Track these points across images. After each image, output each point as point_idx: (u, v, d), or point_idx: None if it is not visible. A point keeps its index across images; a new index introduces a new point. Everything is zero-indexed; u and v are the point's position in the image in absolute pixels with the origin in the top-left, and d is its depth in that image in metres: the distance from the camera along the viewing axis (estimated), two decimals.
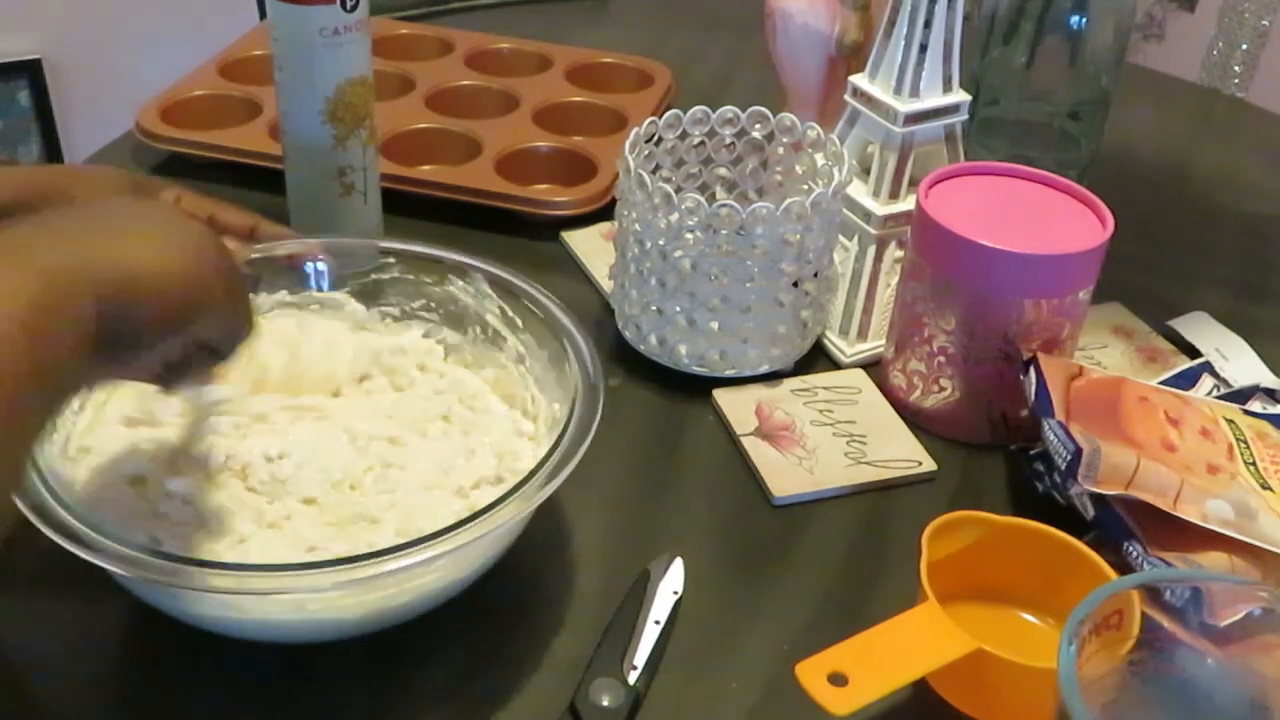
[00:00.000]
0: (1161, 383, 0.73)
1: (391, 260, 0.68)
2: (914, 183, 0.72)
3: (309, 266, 0.68)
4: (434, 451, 0.61)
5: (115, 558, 0.48)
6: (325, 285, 0.68)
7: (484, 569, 0.57)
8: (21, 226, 0.43)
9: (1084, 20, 0.89)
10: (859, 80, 0.75)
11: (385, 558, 0.49)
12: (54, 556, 0.48)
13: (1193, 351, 0.79)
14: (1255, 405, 0.71)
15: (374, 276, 0.69)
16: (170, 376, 0.54)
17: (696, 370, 0.73)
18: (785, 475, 0.67)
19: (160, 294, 0.45)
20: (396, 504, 0.58)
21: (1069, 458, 0.60)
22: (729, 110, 0.76)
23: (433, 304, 0.69)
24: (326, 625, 0.54)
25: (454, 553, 0.50)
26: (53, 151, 1.83)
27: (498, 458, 0.61)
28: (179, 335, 0.48)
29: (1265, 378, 0.75)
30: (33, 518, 0.49)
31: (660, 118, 0.74)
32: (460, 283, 0.67)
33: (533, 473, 0.53)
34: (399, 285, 0.69)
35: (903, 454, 0.69)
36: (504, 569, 0.59)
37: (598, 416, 0.56)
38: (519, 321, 0.65)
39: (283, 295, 0.68)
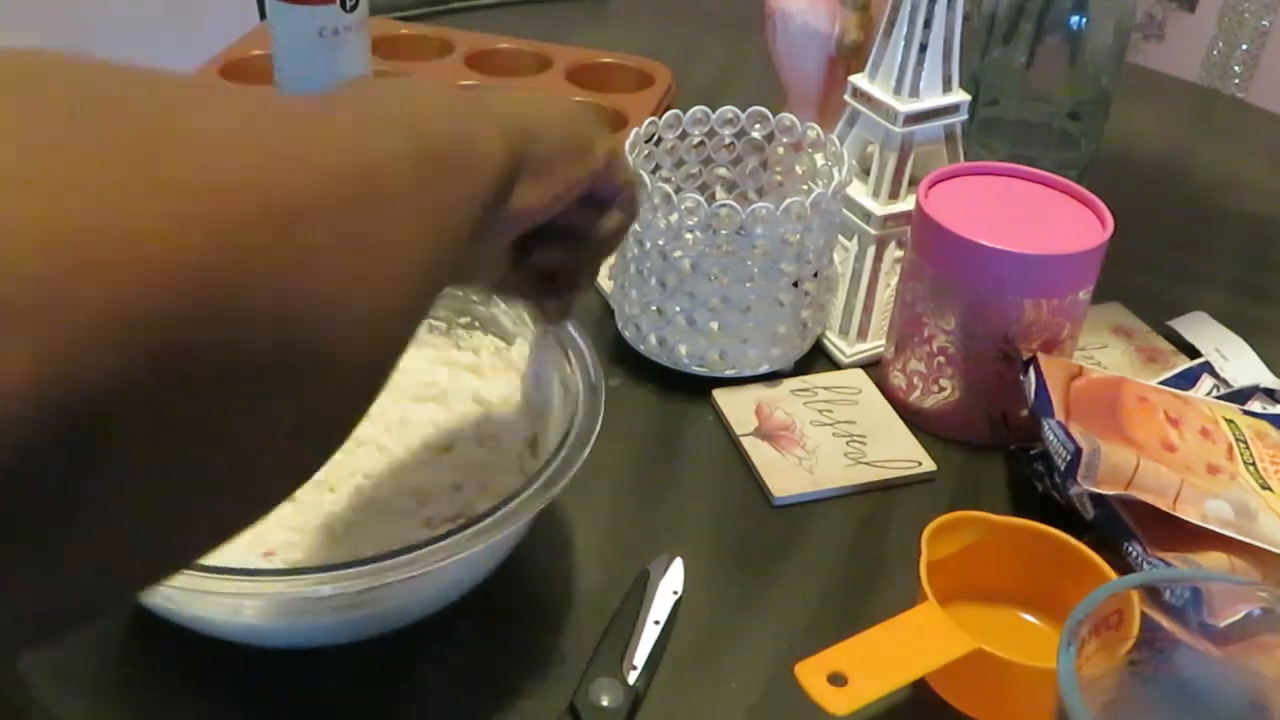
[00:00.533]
0: (1161, 383, 0.73)
1: None
2: (914, 183, 0.72)
3: None
4: (417, 462, 0.61)
5: None
6: None
7: (483, 576, 0.57)
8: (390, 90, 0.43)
9: (1084, 20, 0.89)
10: (859, 80, 0.75)
11: (381, 563, 0.49)
12: None
13: (1193, 351, 0.79)
14: (1255, 405, 0.71)
15: None
16: (596, 231, 0.54)
17: (696, 370, 0.73)
18: (785, 475, 0.67)
19: (553, 127, 0.47)
20: (367, 516, 0.58)
21: (1069, 458, 0.60)
22: (729, 110, 0.76)
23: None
24: (320, 631, 0.54)
25: (450, 562, 0.50)
26: None
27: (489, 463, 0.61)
28: (578, 167, 0.48)
29: (1265, 378, 0.75)
30: None
31: (660, 118, 0.74)
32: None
33: (533, 477, 0.53)
34: None
35: (903, 454, 0.70)
36: (504, 569, 0.59)
37: (599, 420, 0.56)
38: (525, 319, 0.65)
39: None
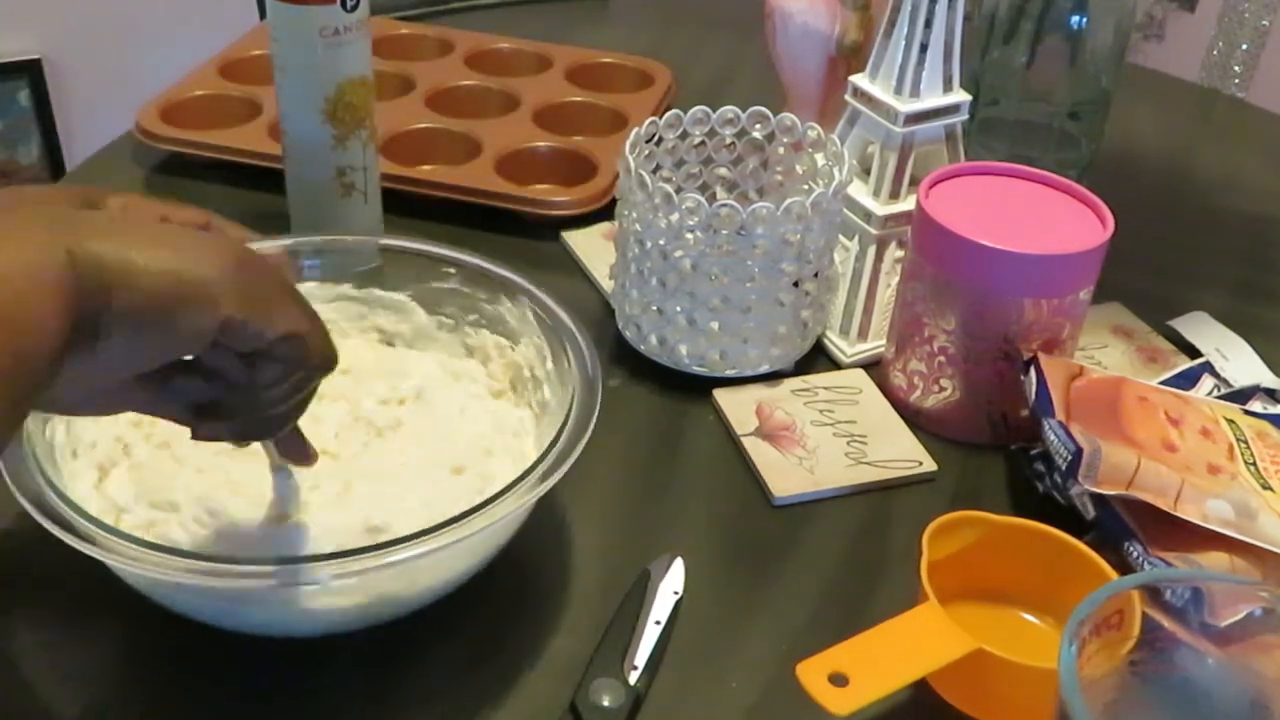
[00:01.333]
0: (1161, 383, 0.73)
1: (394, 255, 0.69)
2: (914, 183, 0.72)
3: (302, 262, 0.68)
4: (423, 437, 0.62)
5: (107, 549, 0.48)
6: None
7: (482, 565, 0.57)
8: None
9: (1084, 20, 0.89)
10: (859, 80, 0.75)
11: (383, 551, 0.49)
12: (50, 548, 0.48)
13: (1193, 351, 0.79)
14: (1255, 405, 0.71)
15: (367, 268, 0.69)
16: (256, 384, 0.48)
17: (697, 370, 0.73)
18: (785, 475, 0.67)
19: (146, 278, 0.41)
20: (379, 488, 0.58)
21: (1069, 458, 0.60)
22: (729, 110, 0.76)
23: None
24: (320, 617, 0.54)
25: (453, 546, 0.50)
26: (53, 151, 1.83)
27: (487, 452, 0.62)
28: (179, 330, 0.43)
29: (1265, 378, 0.75)
30: (31, 509, 0.49)
31: (660, 118, 0.74)
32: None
33: (531, 468, 0.53)
34: (396, 279, 0.69)
35: (903, 454, 0.70)
36: (504, 568, 0.59)
37: (595, 413, 0.56)
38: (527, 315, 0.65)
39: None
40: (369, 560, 0.49)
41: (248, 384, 0.48)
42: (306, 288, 0.67)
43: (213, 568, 0.48)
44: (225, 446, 0.55)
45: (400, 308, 0.69)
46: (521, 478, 0.53)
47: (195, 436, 0.50)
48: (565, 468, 0.53)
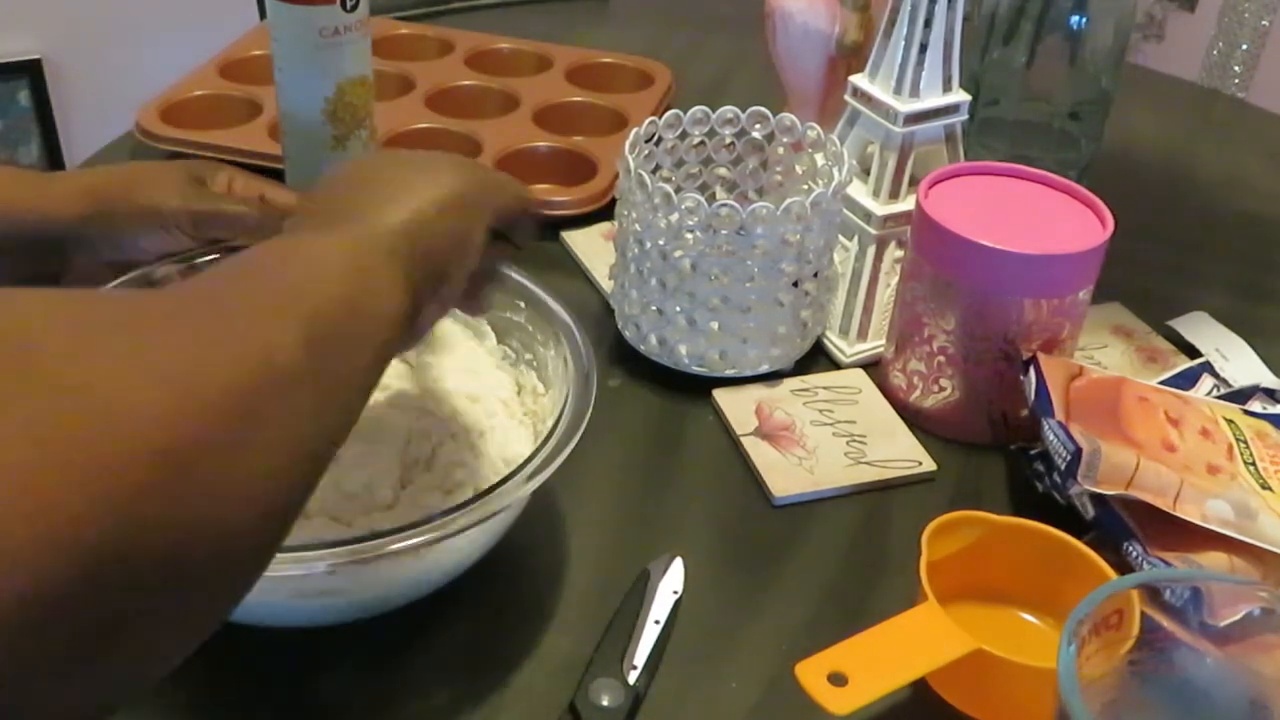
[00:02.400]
0: (1161, 383, 0.73)
1: None
2: (914, 183, 0.72)
3: None
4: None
5: None
6: None
7: (473, 561, 0.57)
8: (317, 220, 0.47)
9: (1084, 20, 0.89)
10: (859, 80, 0.75)
11: (380, 541, 0.49)
12: None
13: (1193, 351, 0.79)
14: (1255, 405, 0.71)
15: None
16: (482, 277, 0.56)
17: (696, 370, 0.73)
18: (785, 475, 0.67)
19: (441, 224, 0.48)
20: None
21: (1069, 458, 0.60)
22: (729, 110, 0.76)
23: None
24: (316, 609, 0.54)
25: (448, 539, 0.50)
26: (53, 151, 1.83)
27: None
28: (470, 253, 0.50)
29: (1265, 378, 0.75)
30: None
31: (660, 118, 0.74)
32: None
33: (527, 461, 0.54)
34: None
35: (903, 454, 0.70)
36: (504, 568, 0.59)
37: (590, 406, 0.56)
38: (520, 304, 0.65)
39: None
40: (362, 552, 0.49)
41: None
42: None
43: None
44: None
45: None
46: (510, 476, 0.53)
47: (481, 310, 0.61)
48: (551, 470, 0.53)
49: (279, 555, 0.49)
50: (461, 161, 0.53)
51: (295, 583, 0.52)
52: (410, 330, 0.46)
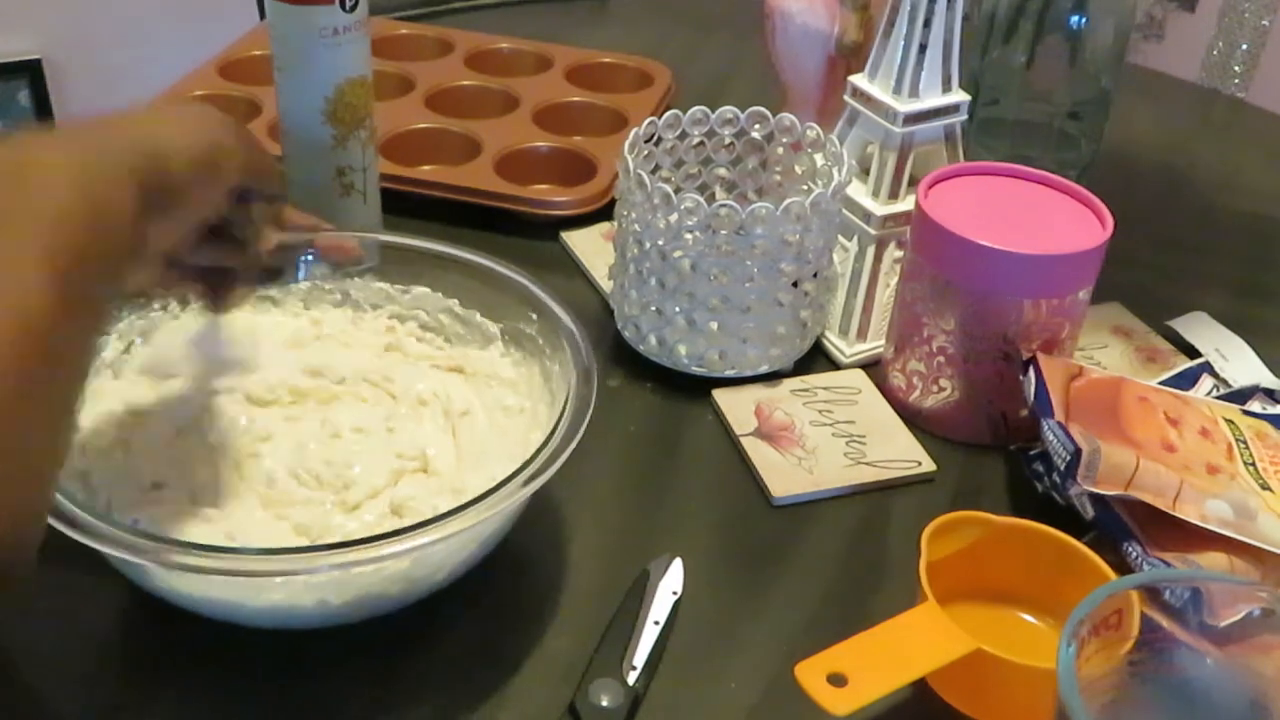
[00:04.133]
0: (1161, 383, 0.73)
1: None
2: (914, 183, 0.72)
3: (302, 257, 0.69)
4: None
5: (105, 538, 0.48)
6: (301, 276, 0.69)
7: (480, 555, 0.57)
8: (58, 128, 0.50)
9: (1084, 20, 0.89)
10: (859, 80, 0.75)
11: (376, 544, 0.49)
12: (48, 541, 0.48)
13: (1192, 351, 0.79)
14: (1255, 405, 0.71)
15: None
16: (231, 238, 0.58)
17: (696, 370, 0.73)
18: (785, 475, 0.67)
19: (183, 150, 0.50)
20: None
21: (1068, 458, 0.60)
22: (728, 110, 0.76)
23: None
24: (313, 610, 0.54)
25: (448, 539, 0.50)
26: None
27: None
28: (213, 184, 0.52)
29: (1265, 378, 0.75)
30: None
31: (660, 118, 0.74)
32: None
33: (527, 462, 0.54)
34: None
35: (902, 454, 0.69)
36: (503, 568, 0.59)
37: (591, 405, 0.56)
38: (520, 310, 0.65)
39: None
40: (361, 553, 0.49)
41: (249, 230, 0.58)
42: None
43: (193, 553, 0.49)
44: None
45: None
46: (510, 478, 0.53)
47: (219, 307, 0.63)
48: (550, 473, 0.53)
49: (277, 558, 0.49)
50: (213, 110, 0.55)
51: (293, 586, 0.52)
52: (142, 244, 0.47)
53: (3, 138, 0.44)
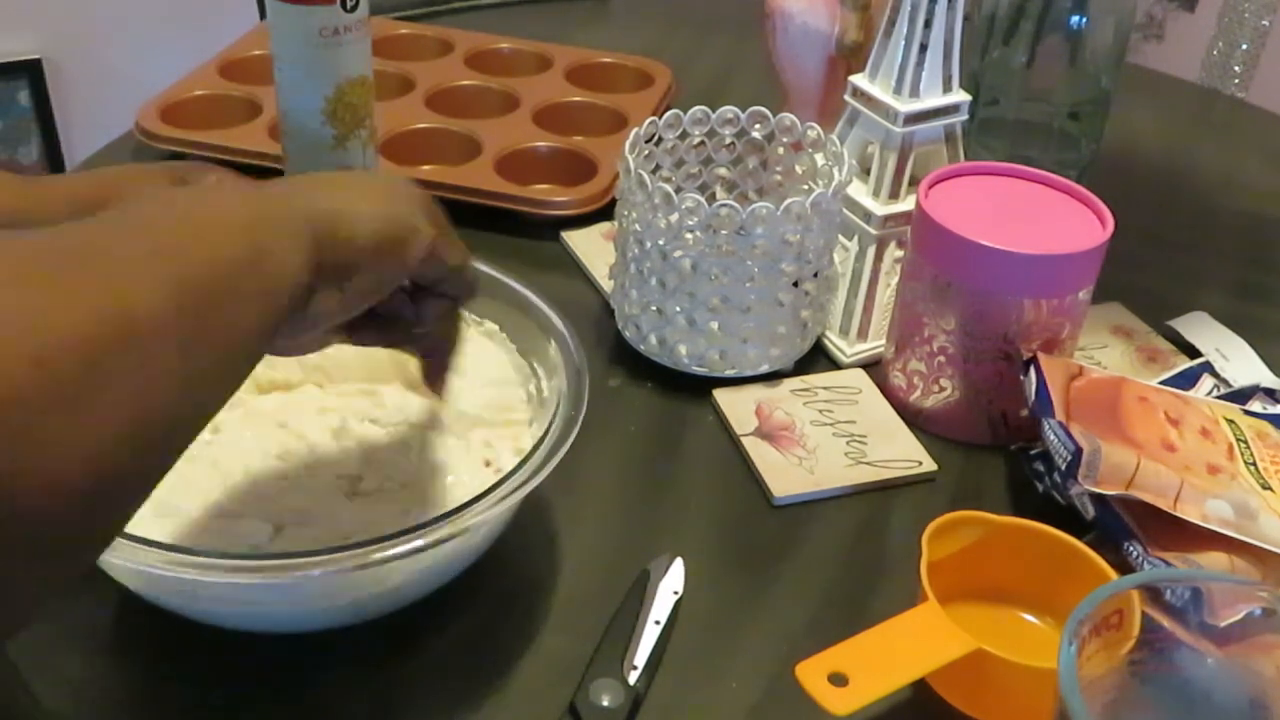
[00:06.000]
0: (1161, 383, 0.73)
1: None
2: (914, 183, 0.72)
3: None
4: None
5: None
6: None
7: (475, 558, 0.57)
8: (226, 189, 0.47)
9: (1084, 20, 0.89)
10: (859, 80, 0.75)
11: (371, 547, 0.49)
12: None
13: (1193, 351, 0.79)
14: (1255, 405, 0.71)
15: None
16: (419, 321, 0.55)
17: (696, 370, 0.73)
18: (785, 475, 0.67)
19: (367, 222, 0.46)
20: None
21: (1069, 458, 0.60)
22: (729, 110, 0.76)
23: None
24: (313, 614, 0.54)
25: (447, 541, 0.50)
26: (53, 151, 1.83)
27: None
28: (393, 265, 0.48)
29: (1265, 378, 0.75)
30: None
31: (660, 118, 0.74)
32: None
33: (521, 463, 0.54)
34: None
35: (903, 454, 0.70)
36: (504, 568, 0.59)
37: (584, 402, 0.56)
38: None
39: None
40: (354, 558, 0.49)
41: (423, 325, 0.55)
42: None
43: (184, 560, 0.49)
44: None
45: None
46: (502, 481, 0.53)
47: (436, 386, 0.60)
48: (542, 476, 0.53)
49: (275, 562, 0.49)
50: (409, 187, 0.51)
51: (289, 589, 0.52)
52: (304, 308, 0.44)
53: (192, 186, 0.43)
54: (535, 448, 0.54)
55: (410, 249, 0.48)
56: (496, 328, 0.66)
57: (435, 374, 0.60)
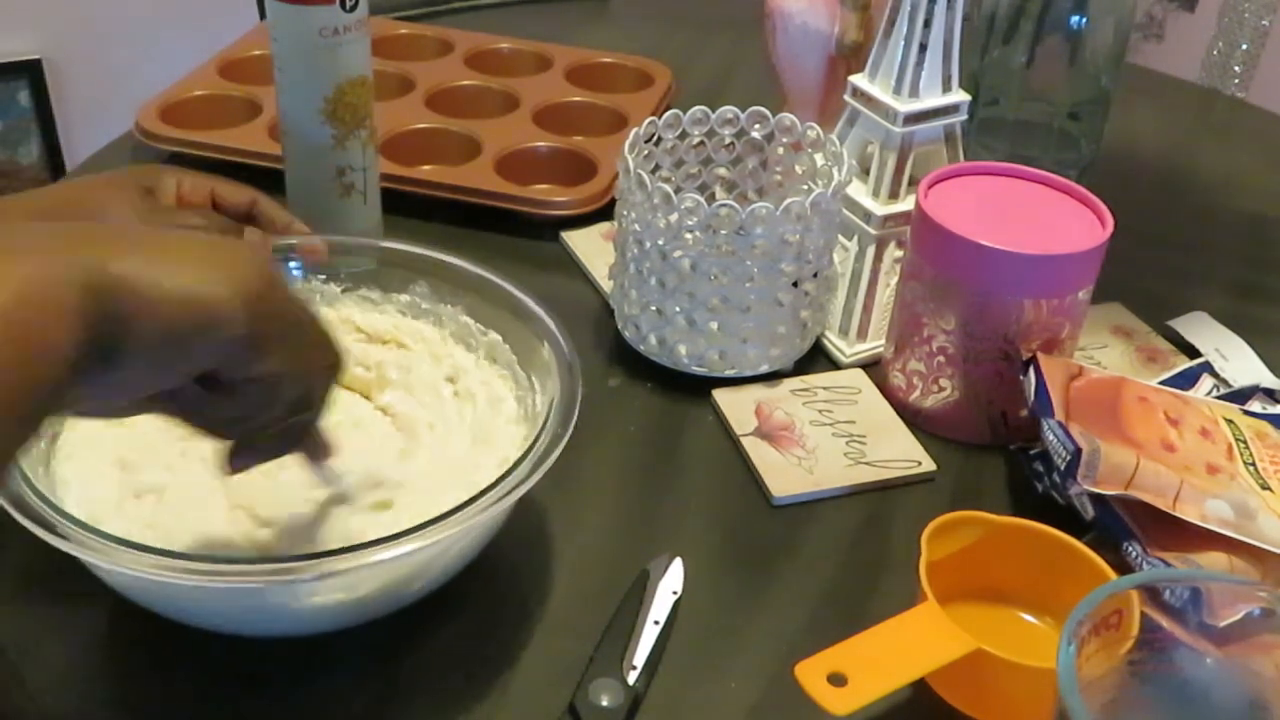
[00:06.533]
0: (1161, 383, 0.73)
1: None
2: (914, 183, 0.72)
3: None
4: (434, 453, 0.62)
5: (87, 548, 0.48)
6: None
7: (470, 559, 0.57)
8: (23, 225, 0.42)
9: (1084, 20, 0.89)
10: (859, 80, 0.75)
11: (366, 549, 0.49)
12: (44, 549, 0.48)
13: (1192, 351, 0.79)
14: (1255, 405, 0.71)
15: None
16: (259, 438, 0.50)
17: (696, 370, 0.73)
18: (785, 475, 0.67)
19: (160, 302, 0.40)
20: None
21: (1069, 458, 0.60)
22: (729, 110, 0.76)
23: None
24: (312, 615, 0.54)
25: (443, 541, 0.50)
26: (53, 151, 1.83)
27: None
28: (178, 358, 0.42)
29: (1265, 378, 0.75)
30: (11, 509, 0.49)
31: (660, 118, 0.74)
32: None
33: (515, 465, 0.54)
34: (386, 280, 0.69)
35: (902, 454, 0.70)
36: (504, 568, 0.59)
37: (576, 410, 0.56)
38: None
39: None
40: (350, 560, 0.49)
41: (249, 406, 0.47)
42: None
43: (183, 565, 0.48)
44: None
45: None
46: (499, 480, 0.53)
47: (233, 471, 0.50)
48: (537, 476, 0.53)
49: (272, 565, 0.49)
50: (255, 272, 0.43)
51: (286, 591, 0.52)
52: (88, 381, 0.39)
53: None
54: (530, 449, 0.54)
55: (207, 341, 0.41)
56: (499, 338, 0.65)
57: (311, 450, 0.54)
